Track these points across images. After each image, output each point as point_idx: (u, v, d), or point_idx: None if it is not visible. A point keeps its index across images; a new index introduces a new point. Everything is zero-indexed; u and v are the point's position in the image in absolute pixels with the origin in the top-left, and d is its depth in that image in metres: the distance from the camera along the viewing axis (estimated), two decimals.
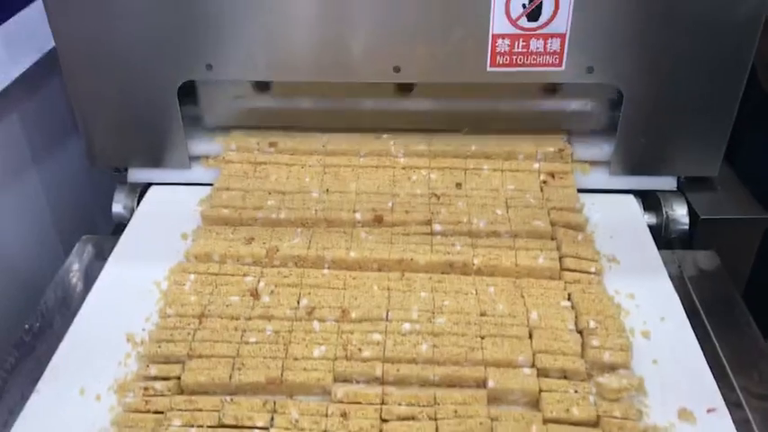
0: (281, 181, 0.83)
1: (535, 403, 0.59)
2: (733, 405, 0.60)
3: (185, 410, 0.58)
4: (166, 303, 0.68)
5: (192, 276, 0.71)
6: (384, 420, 0.57)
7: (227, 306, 0.67)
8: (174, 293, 0.69)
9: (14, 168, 0.92)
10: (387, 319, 0.65)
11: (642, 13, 0.73)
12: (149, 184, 0.87)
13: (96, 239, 0.81)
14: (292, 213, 0.77)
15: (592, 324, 0.64)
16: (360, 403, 0.58)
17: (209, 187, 0.83)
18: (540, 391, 0.59)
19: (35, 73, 0.90)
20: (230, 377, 0.60)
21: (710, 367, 0.62)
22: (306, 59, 0.78)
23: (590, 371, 0.61)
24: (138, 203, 0.85)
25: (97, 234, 0.82)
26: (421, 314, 0.66)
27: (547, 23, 0.74)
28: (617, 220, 0.80)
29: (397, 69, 0.77)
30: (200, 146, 0.87)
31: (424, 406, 0.58)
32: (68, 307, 0.72)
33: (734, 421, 0.58)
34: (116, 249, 0.77)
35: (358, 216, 0.77)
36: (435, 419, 0.57)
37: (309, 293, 0.68)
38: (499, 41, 0.75)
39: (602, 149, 0.85)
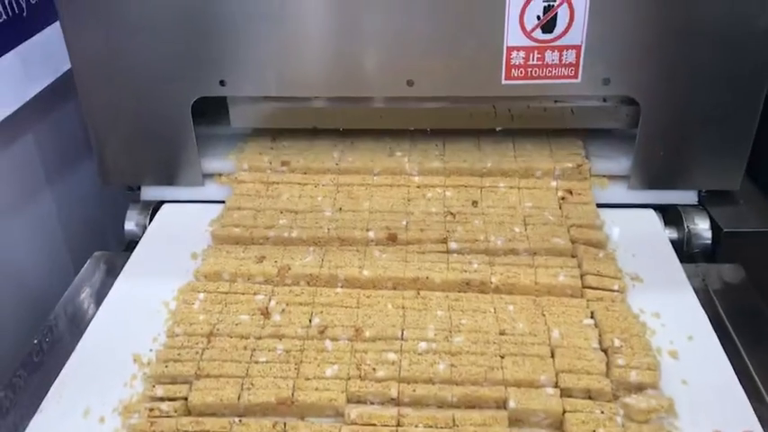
0: (293, 200, 0.82)
1: (559, 425, 0.57)
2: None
3: None
4: (175, 322, 0.66)
5: (202, 295, 0.69)
6: None
7: (236, 325, 0.65)
8: (183, 312, 0.67)
9: (29, 188, 0.93)
10: (402, 338, 0.63)
11: (659, 23, 0.72)
12: (162, 202, 0.86)
13: (108, 256, 0.80)
14: (304, 232, 0.76)
15: (617, 343, 0.62)
16: (374, 425, 0.56)
17: (221, 205, 0.83)
18: (564, 411, 0.57)
19: (50, 94, 0.90)
20: (239, 397, 0.58)
21: (742, 386, 0.60)
22: (319, 75, 0.78)
23: (616, 391, 0.59)
24: (150, 221, 0.84)
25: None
26: (438, 333, 0.64)
27: (562, 35, 0.73)
28: (638, 235, 0.78)
29: (410, 83, 0.77)
30: (213, 163, 0.87)
31: (442, 428, 0.56)
32: (77, 324, 0.70)
33: None
34: (126, 267, 0.76)
35: (371, 234, 0.76)
36: None
37: (322, 312, 0.66)
38: (514, 54, 0.74)
39: (620, 163, 0.84)
